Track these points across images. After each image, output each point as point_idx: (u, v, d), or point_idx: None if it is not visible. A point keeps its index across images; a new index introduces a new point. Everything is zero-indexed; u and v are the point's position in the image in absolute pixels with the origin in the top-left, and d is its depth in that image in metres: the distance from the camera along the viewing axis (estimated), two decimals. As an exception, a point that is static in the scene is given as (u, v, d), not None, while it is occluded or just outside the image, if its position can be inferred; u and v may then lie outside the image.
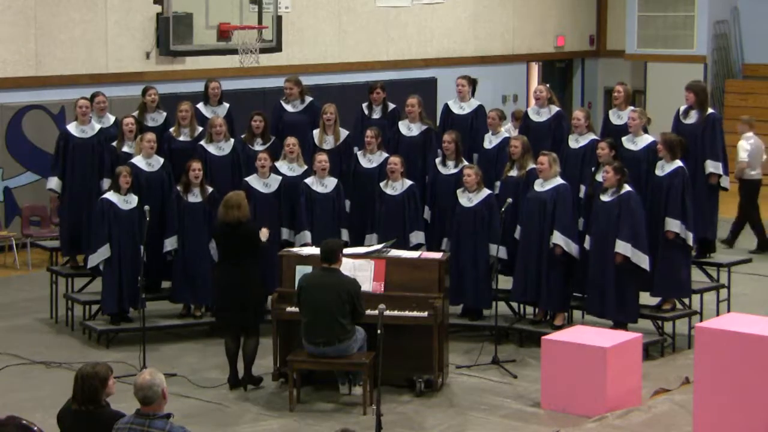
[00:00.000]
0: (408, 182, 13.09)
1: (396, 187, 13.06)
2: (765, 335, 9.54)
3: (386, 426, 9.49)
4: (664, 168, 12.56)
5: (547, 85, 14.51)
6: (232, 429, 10.50)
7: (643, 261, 12.12)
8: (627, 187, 12.17)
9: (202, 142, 13.71)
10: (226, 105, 14.63)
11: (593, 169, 12.80)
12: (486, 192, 12.81)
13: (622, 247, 12.06)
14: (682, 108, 13.60)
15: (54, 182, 13.96)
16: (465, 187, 12.81)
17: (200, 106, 14.55)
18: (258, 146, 13.79)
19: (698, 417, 9.87)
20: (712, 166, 13.30)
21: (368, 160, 13.61)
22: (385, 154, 13.60)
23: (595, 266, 12.30)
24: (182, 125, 13.95)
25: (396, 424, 10.45)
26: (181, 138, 13.93)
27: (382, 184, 13.14)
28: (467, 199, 12.83)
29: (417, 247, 12.86)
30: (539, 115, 14.09)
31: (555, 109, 14.06)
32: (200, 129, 13.98)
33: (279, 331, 11.39)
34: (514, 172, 13.04)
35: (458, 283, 12.71)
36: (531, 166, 12.86)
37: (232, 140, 13.79)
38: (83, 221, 13.67)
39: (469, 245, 12.79)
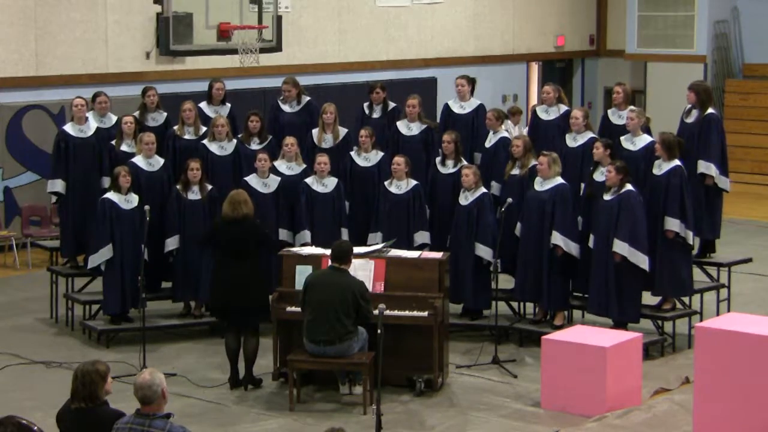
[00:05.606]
0: (413, 182, 13.09)
1: (401, 186, 13.06)
2: (765, 335, 9.53)
3: (386, 426, 9.50)
4: (662, 167, 12.55)
5: (556, 86, 14.47)
6: (232, 429, 10.50)
7: (641, 261, 12.10)
8: (629, 187, 12.17)
9: (204, 141, 13.73)
10: (228, 105, 14.64)
11: (591, 168, 12.81)
12: (482, 191, 12.81)
13: (619, 247, 12.04)
14: (687, 108, 13.59)
15: (59, 185, 13.88)
16: (464, 187, 12.83)
17: (203, 105, 14.56)
18: (255, 146, 13.79)
19: (698, 417, 9.86)
20: (703, 167, 13.25)
21: (365, 159, 13.61)
22: (381, 153, 13.62)
23: (597, 266, 12.30)
24: (186, 124, 13.96)
25: (396, 424, 10.45)
26: (186, 137, 13.94)
27: (386, 183, 13.14)
28: (464, 198, 12.85)
29: (422, 247, 12.85)
30: (548, 113, 14.09)
31: (564, 108, 14.07)
32: (204, 128, 14.00)
33: (279, 331, 11.38)
34: (516, 171, 13.05)
35: (456, 282, 12.72)
36: (533, 163, 12.87)
37: (235, 140, 13.80)
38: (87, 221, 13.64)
39: (465, 244, 12.80)
